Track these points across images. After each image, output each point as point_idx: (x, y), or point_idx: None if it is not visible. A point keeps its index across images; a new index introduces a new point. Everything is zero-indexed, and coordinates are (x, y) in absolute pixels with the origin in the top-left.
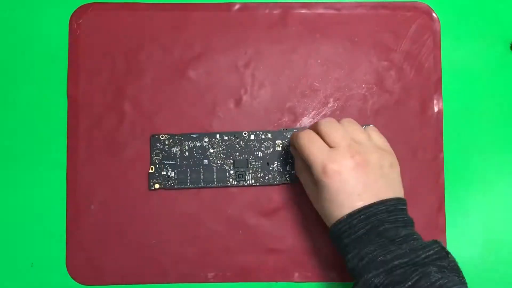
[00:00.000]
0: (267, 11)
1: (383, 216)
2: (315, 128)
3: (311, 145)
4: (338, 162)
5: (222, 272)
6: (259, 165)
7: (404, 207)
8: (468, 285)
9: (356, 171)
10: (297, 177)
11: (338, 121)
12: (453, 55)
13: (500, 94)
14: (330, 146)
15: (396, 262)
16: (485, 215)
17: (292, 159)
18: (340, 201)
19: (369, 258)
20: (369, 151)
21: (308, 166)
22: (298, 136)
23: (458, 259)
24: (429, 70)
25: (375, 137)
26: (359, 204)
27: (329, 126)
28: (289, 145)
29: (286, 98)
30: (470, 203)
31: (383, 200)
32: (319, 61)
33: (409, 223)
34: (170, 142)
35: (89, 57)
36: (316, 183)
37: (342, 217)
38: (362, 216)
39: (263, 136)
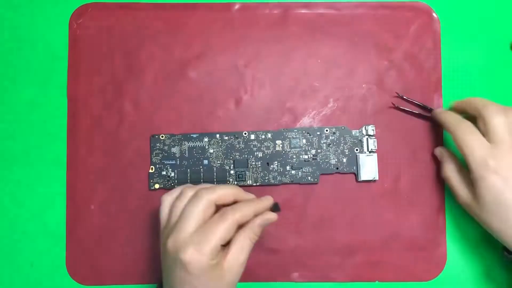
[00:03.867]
0: (267, 11)
1: None
2: (474, 109)
3: (469, 138)
4: (500, 159)
5: None
6: (259, 165)
7: None
8: (469, 286)
9: None
10: (445, 180)
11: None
12: (453, 55)
13: (500, 94)
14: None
15: None
16: None
17: (292, 159)
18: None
19: None
20: None
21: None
22: (454, 128)
23: (458, 260)
24: (429, 70)
25: None
26: None
27: (495, 117)
28: (290, 145)
29: (286, 98)
30: None
31: None
32: (319, 61)
33: None
34: (170, 142)
35: (89, 57)
36: (475, 185)
37: None
38: None
39: (263, 136)
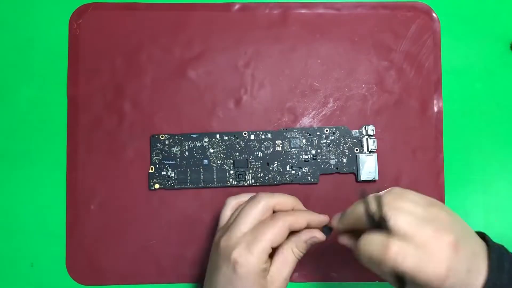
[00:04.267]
0: (267, 11)
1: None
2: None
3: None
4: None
5: None
6: (259, 165)
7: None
8: None
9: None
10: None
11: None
12: (453, 55)
13: (500, 94)
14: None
15: None
16: (485, 215)
17: (292, 159)
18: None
19: None
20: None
21: None
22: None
23: None
24: (429, 70)
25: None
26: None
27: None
28: (290, 145)
29: (286, 98)
30: (470, 203)
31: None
32: (319, 61)
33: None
34: (170, 142)
35: (89, 57)
36: None
37: None
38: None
39: (263, 136)
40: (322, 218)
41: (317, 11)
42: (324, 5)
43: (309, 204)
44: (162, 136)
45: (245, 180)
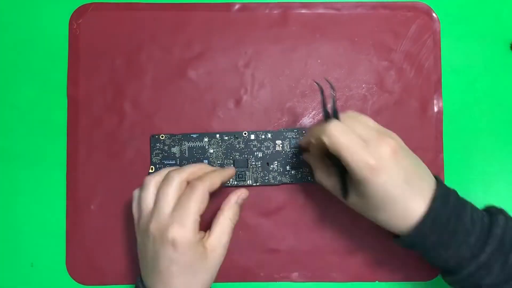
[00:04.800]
0: (267, 11)
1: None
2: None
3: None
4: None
5: (222, 272)
6: (259, 165)
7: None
8: None
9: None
10: (320, 184)
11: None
12: (453, 55)
13: (500, 94)
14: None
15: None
16: None
17: (292, 159)
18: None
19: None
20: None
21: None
22: (332, 135)
23: None
24: (429, 70)
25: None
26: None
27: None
28: (290, 145)
29: (286, 98)
30: None
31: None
32: (319, 61)
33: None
34: (170, 142)
35: (89, 57)
36: (360, 185)
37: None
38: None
39: (263, 136)
40: (231, 171)
41: (317, 11)
42: (324, 5)
43: (309, 204)
44: (162, 136)
45: (245, 180)
